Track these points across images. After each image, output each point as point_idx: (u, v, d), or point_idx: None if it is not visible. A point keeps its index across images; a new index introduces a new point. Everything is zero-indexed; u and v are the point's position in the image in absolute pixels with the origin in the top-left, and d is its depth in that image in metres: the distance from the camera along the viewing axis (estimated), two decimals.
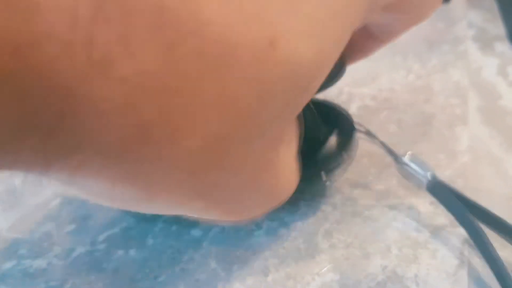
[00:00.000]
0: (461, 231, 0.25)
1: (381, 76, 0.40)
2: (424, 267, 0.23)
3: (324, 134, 0.26)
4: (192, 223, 0.27)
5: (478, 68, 0.40)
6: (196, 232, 0.26)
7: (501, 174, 0.29)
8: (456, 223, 0.26)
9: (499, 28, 0.47)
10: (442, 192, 0.26)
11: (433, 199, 0.27)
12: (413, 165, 0.27)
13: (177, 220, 0.27)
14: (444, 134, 0.33)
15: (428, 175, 0.26)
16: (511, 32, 0.44)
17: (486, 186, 0.27)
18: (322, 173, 0.25)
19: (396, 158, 0.28)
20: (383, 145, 0.29)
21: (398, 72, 0.40)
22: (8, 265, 0.25)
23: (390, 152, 0.28)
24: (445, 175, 0.29)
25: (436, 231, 0.25)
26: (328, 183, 0.27)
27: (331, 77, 0.29)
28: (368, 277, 0.23)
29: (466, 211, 0.25)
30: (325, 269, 0.24)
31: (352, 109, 0.36)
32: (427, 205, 0.27)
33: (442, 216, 0.26)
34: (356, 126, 0.28)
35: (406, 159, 0.27)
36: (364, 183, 0.28)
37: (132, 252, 0.25)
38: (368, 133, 0.29)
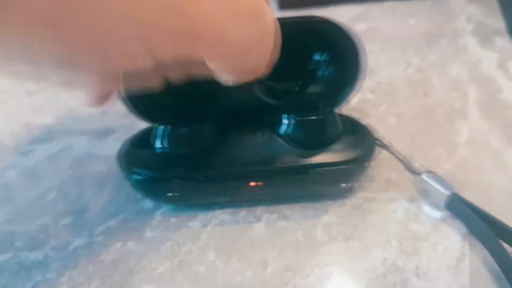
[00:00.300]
0: (461, 225, 0.25)
1: (380, 69, 0.40)
2: (425, 259, 0.23)
3: (339, 132, 0.26)
4: (191, 216, 0.26)
5: (478, 62, 0.40)
6: (195, 224, 0.26)
7: (501, 167, 0.29)
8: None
9: (499, 22, 0.46)
10: (461, 209, 0.25)
11: None
12: (432, 183, 0.26)
13: (176, 213, 0.27)
14: (444, 127, 0.33)
15: (448, 192, 0.25)
16: (511, 26, 0.43)
17: (486, 179, 0.27)
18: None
19: (415, 174, 0.27)
20: (402, 161, 0.28)
21: (398, 66, 0.40)
22: (4, 257, 0.25)
23: (410, 169, 0.28)
24: (445, 169, 0.29)
25: (436, 224, 0.25)
26: (344, 185, 0.27)
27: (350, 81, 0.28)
28: (367, 269, 0.23)
29: (486, 228, 0.24)
30: (324, 261, 0.23)
31: (352, 102, 0.35)
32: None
33: (442, 209, 0.26)
34: (377, 140, 0.28)
35: (425, 176, 0.26)
36: (364, 176, 0.28)
37: (130, 244, 0.25)
38: (387, 148, 0.29)
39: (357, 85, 0.28)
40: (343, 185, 0.26)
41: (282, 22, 0.22)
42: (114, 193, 0.28)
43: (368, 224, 0.25)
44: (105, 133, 0.33)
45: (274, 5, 0.51)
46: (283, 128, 0.26)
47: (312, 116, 0.26)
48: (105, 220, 0.26)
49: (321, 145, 0.26)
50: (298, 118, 0.26)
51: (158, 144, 0.25)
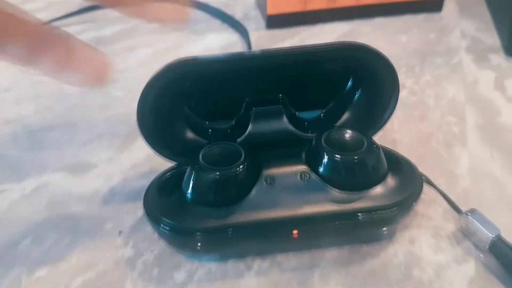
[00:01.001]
0: (467, 269, 0.23)
1: None
2: None
3: (385, 171, 0.25)
4: (175, 265, 0.24)
5: (474, 82, 0.39)
6: (179, 275, 0.24)
7: (506, 201, 0.27)
8: (461, 259, 0.24)
9: (493, 38, 0.45)
10: (505, 254, 0.23)
11: (434, 231, 0.25)
12: (477, 224, 0.24)
13: (159, 262, 0.24)
14: (443, 156, 0.31)
15: (492, 235, 0.24)
16: (506, 43, 0.42)
17: (490, 213, 0.25)
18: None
19: (460, 214, 0.26)
20: (446, 198, 0.26)
21: None
22: None
23: (454, 206, 0.26)
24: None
25: (440, 269, 0.23)
26: (386, 232, 0.25)
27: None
28: None
29: None
30: None
31: None
32: (429, 238, 0.25)
33: (446, 252, 0.24)
34: (423, 177, 0.26)
35: (470, 216, 0.25)
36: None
37: None
38: (433, 185, 0.27)
39: (393, 112, 0.26)
40: (385, 228, 0.25)
41: (311, 49, 0.22)
42: (92, 238, 0.26)
43: (367, 269, 0.24)
44: (84, 168, 0.31)
45: (261, 24, 0.49)
46: (324, 168, 0.24)
47: (358, 154, 0.24)
48: (82, 271, 0.24)
49: (367, 186, 0.24)
50: (343, 157, 0.24)
51: (187, 191, 0.23)
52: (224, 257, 0.25)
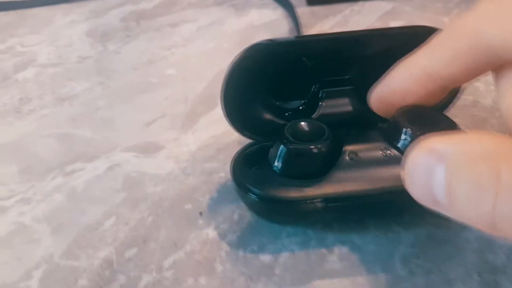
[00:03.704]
0: None
1: None
2: None
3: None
4: (258, 246, 0.25)
5: None
6: (265, 257, 0.25)
7: None
8: None
9: None
10: None
11: None
12: None
13: (243, 242, 0.26)
14: None
15: None
16: None
17: None
18: None
19: None
20: None
21: None
22: None
23: None
24: None
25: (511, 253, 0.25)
26: None
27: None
28: None
29: None
30: None
31: None
32: None
33: None
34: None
35: None
36: None
37: (202, 280, 0.24)
38: None
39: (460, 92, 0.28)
40: None
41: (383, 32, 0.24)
42: (175, 218, 0.27)
43: (445, 255, 0.25)
44: (152, 148, 0.32)
45: (302, 0, 0.49)
46: (403, 144, 0.25)
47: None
48: (171, 251, 0.25)
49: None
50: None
51: (275, 164, 0.25)
52: (304, 241, 0.26)
